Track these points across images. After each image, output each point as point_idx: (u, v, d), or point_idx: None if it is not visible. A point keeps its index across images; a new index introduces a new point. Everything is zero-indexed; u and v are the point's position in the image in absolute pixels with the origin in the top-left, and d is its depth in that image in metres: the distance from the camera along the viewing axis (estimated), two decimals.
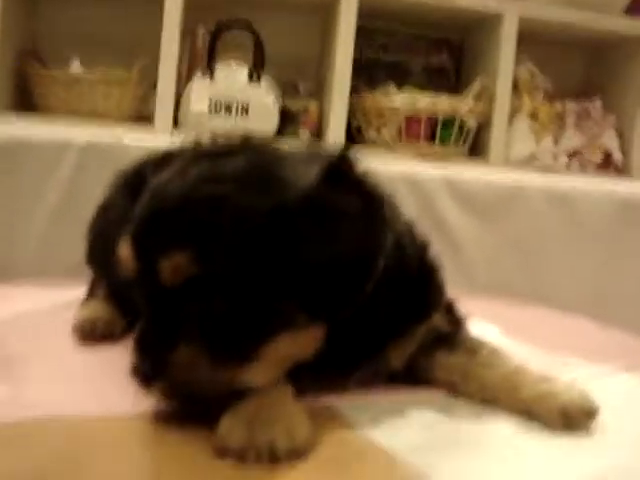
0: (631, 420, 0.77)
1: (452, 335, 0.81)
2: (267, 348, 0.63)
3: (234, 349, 0.62)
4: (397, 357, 0.77)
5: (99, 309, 0.98)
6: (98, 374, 0.81)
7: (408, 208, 1.48)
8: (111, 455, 0.60)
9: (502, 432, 0.70)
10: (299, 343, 0.66)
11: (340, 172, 0.67)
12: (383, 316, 0.71)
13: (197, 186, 0.63)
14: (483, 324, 1.09)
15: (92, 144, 1.47)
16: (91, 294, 1.04)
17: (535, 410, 0.71)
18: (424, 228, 0.77)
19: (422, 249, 0.79)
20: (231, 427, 0.60)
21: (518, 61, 2.11)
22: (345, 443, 0.65)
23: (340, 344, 0.69)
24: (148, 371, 0.62)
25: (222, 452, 0.59)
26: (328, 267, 0.62)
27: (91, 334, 0.92)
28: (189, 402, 0.64)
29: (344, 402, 0.73)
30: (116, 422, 0.66)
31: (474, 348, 0.79)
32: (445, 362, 0.79)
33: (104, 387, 0.75)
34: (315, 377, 0.71)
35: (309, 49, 2.21)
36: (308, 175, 0.65)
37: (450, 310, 0.83)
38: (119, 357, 0.79)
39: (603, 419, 0.71)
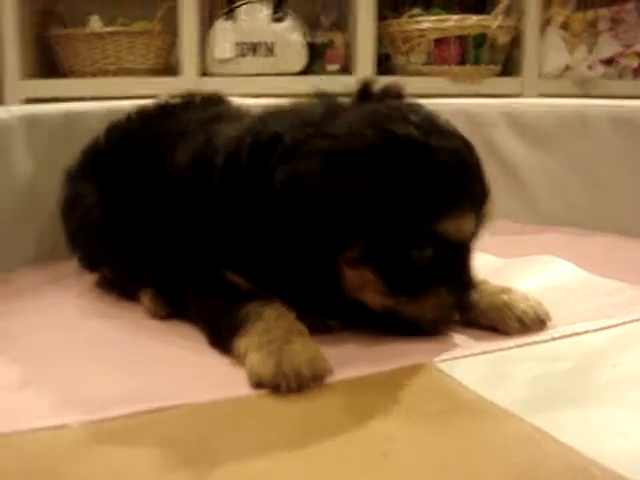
0: None
1: None
2: None
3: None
4: None
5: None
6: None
7: None
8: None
9: (605, 380, 0.67)
10: None
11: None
12: None
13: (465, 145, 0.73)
14: (554, 258, 1.05)
15: None
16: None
17: (494, 318, 0.78)
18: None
19: None
20: (261, 361, 0.66)
21: None
22: (452, 398, 0.64)
23: None
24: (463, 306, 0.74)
25: (257, 385, 0.64)
26: None
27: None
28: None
29: (437, 357, 0.72)
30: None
31: None
32: None
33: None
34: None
35: None
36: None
37: None
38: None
39: None
